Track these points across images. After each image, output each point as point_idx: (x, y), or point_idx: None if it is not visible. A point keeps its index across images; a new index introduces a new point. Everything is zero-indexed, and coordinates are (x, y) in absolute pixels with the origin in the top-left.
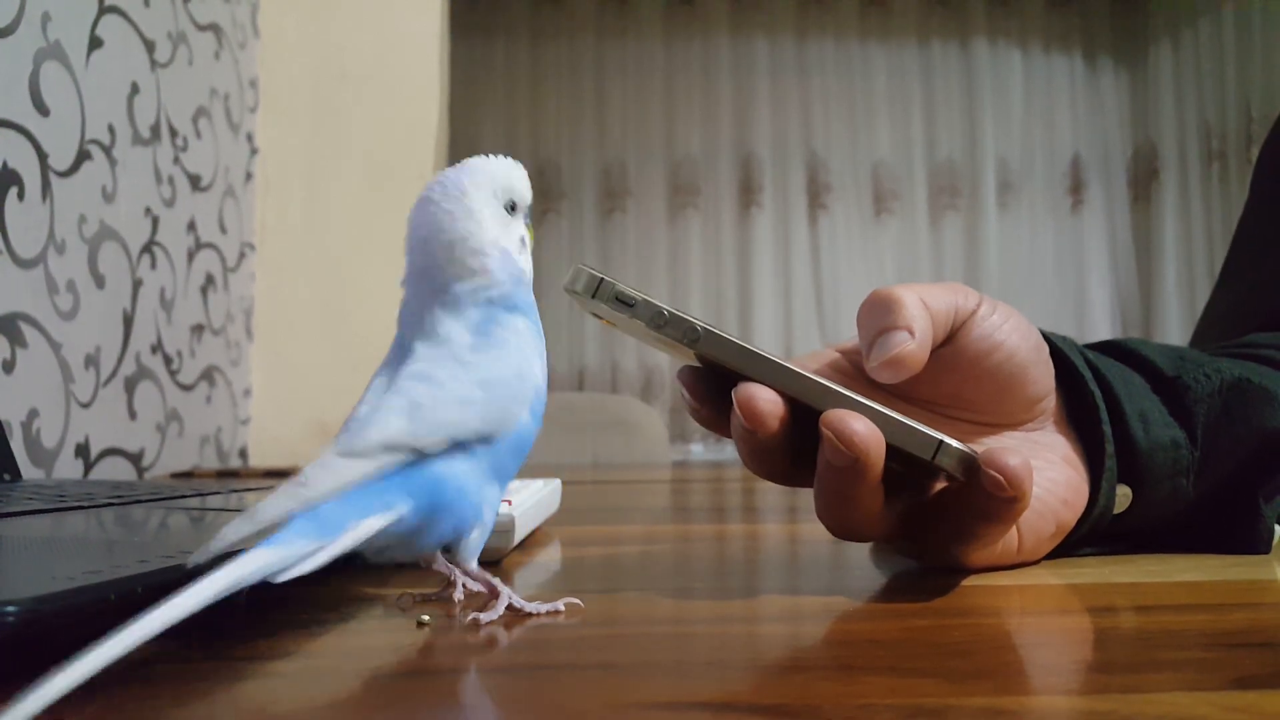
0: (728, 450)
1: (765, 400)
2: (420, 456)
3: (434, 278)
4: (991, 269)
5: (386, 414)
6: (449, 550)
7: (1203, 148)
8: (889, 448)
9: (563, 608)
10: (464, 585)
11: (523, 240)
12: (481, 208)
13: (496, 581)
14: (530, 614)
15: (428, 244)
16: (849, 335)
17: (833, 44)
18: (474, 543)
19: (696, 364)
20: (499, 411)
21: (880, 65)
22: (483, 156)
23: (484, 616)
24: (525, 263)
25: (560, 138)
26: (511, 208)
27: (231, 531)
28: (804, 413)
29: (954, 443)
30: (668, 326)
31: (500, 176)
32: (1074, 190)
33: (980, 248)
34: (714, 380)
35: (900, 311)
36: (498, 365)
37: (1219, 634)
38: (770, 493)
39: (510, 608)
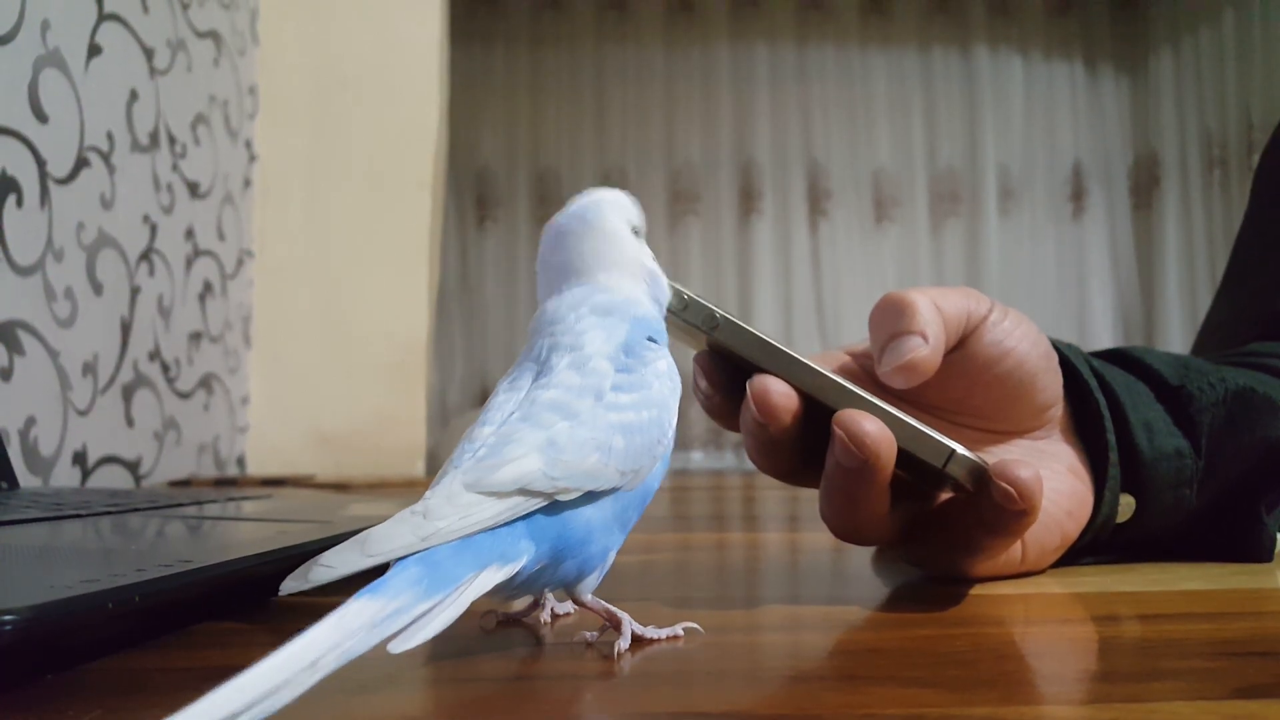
0: (728, 458)
1: (780, 394)
2: (551, 501)
3: (584, 280)
4: (993, 276)
5: (522, 449)
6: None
7: (1204, 155)
8: (899, 452)
9: (681, 632)
10: (551, 608)
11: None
12: (621, 227)
13: (615, 610)
14: (650, 639)
15: (576, 257)
16: (849, 341)
17: (833, 50)
18: (592, 582)
19: (709, 353)
20: (634, 463)
21: (881, 72)
22: (601, 190)
23: (619, 645)
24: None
25: (560, 144)
26: (636, 232)
27: (337, 560)
28: (816, 410)
29: (966, 452)
30: (687, 311)
31: (625, 204)
32: (1075, 197)
33: (981, 255)
34: (727, 371)
35: (914, 316)
36: (640, 411)
37: (1221, 643)
38: (770, 501)
39: (633, 635)
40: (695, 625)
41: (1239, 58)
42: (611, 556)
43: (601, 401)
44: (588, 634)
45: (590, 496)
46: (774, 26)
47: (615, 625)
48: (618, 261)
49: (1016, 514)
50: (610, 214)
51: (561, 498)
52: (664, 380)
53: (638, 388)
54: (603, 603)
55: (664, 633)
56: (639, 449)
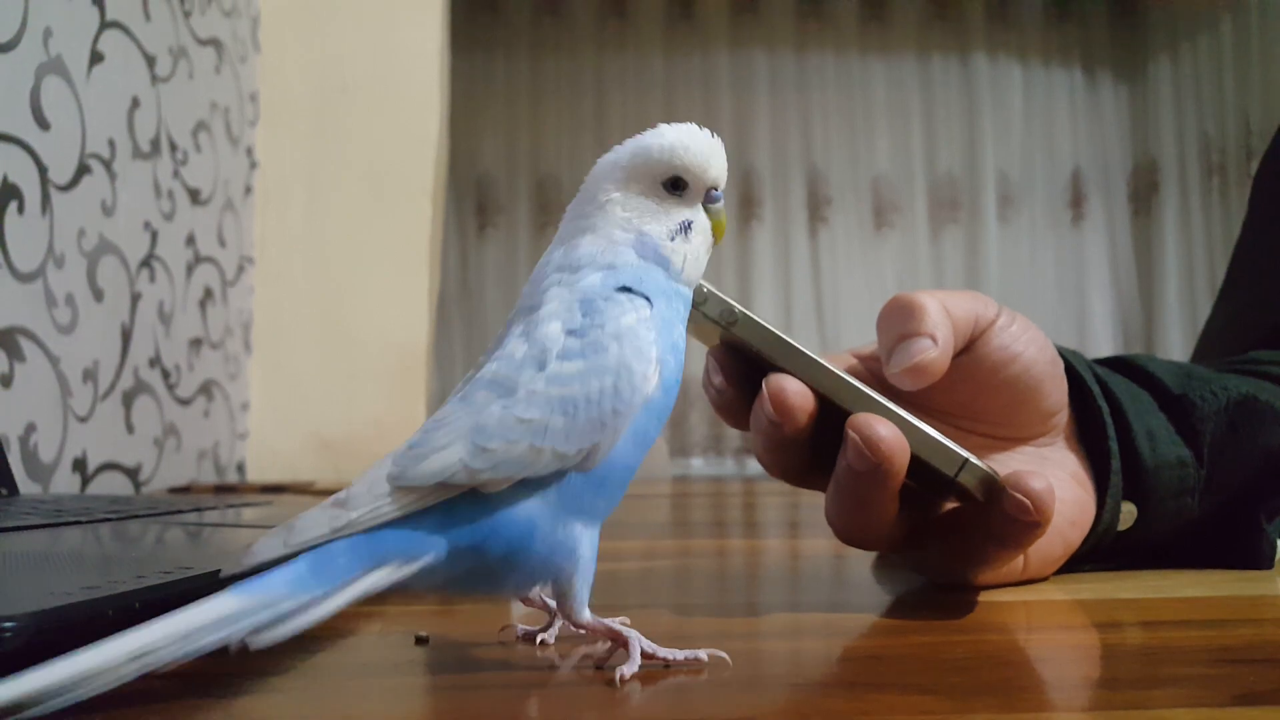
0: (728, 465)
1: (796, 393)
2: (472, 493)
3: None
4: (992, 282)
5: (449, 436)
6: (557, 599)
7: (1202, 161)
8: (911, 458)
9: (705, 657)
10: (559, 624)
11: (687, 225)
12: (621, 190)
13: (619, 628)
14: (667, 662)
15: (572, 219)
16: (849, 347)
17: (832, 57)
18: (577, 592)
19: (723, 348)
20: (581, 441)
21: (880, 79)
22: (656, 129)
23: (623, 670)
24: (677, 248)
25: (560, 151)
26: (673, 186)
27: (263, 548)
28: (828, 412)
29: (979, 462)
30: (706, 304)
31: (658, 152)
32: (1074, 204)
33: (981, 261)
34: (739, 368)
35: (923, 318)
36: (588, 381)
37: (1222, 650)
38: (771, 508)
39: (644, 654)
40: (723, 654)
41: (1237, 64)
42: (585, 556)
43: (544, 372)
44: (588, 649)
45: (529, 485)
46: (773, 34)
47: (622, 644)
48: (594, 228)
49: (1028, 525)
50: (604, 178)
51: (488, 489)
52: (625, 341)
53: (589, 353)
54: (604, 621)
55: (683, 655)
56: (586, 426)
